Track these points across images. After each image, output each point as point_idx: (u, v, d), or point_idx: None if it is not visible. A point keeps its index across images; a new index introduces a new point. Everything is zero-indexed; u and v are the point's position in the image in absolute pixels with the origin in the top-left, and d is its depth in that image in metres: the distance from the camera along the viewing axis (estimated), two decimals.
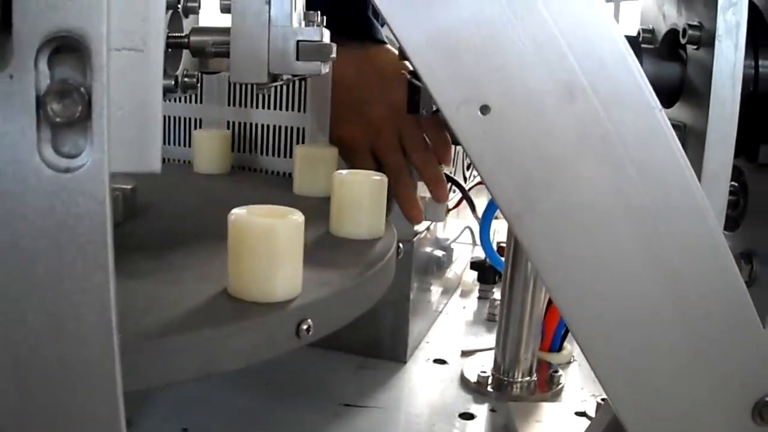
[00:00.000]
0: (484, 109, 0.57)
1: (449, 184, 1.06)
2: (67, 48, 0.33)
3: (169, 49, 0.71)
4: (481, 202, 1.13)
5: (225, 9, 0.69)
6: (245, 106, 1.09)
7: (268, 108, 1.06)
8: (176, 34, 0.71)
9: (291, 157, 1.04)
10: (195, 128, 1.13)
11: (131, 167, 0.37)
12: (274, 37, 0.68)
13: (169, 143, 1.13)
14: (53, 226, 0.34)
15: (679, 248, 0.59)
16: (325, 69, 0.71)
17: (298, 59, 0.68)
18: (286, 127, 1.05)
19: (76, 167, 0.33)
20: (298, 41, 0.68)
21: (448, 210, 1.07)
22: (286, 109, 1.05)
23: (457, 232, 1.30)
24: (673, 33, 0.81)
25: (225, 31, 0.70)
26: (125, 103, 0.35)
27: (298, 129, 1.04)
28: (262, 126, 1.07)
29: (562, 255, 0.59)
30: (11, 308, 0.34)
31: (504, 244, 1.03)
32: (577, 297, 0.60)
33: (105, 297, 0.35)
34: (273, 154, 1.07)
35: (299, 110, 1.04)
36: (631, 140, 0.57)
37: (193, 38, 0.71)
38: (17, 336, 0.35)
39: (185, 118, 1.13)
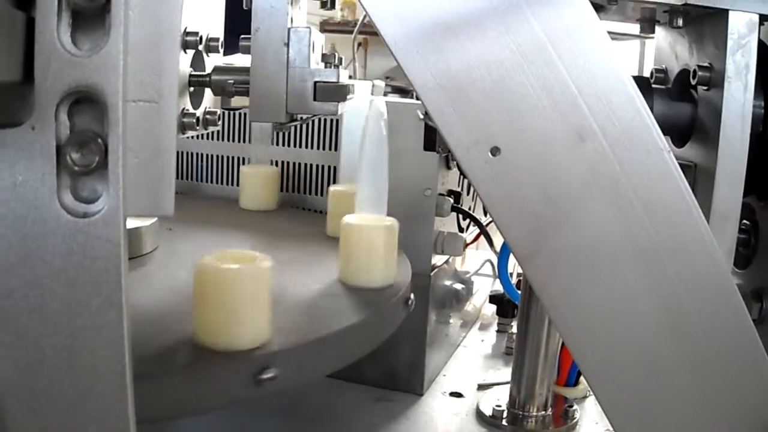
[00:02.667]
0: (495, 151, 0.58)
1: (467, 219, 1.07)
2: (87, 99, 0.35)
3: (191, 88, 0.73)
4: (499, 237, 1.14)
5: (245, 50, 0.71)
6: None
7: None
8: (199, 73, 0.73)
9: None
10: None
11: (146, 211, 0.38)
12: (292, 77, 0.70)
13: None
14: (70, 267, 0.35)
15: (686, 289, 0.59)
16: (342, 109, 0.73)
17: (315, 99, 0.70)
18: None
19: (93, 213, 0.35)
20: (315, 82, 0.70)
21: (466, 244, 1.08)
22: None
23: (477, 265, 1.31)
24: (685, 73, 0.83)
25: (246, 70, 0.71)
26: (141, 151, 0.37)
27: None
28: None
29: (572, 296, 0.60)
30: (30, 343, 0.36)
31: (521, 277, 1.04)
32: (586, 337, 0.60)
33: (119, 333, 0.36)
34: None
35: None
36: (640, 182, 0.58)
37: (214, 77, 0.73)
38: (35, 369, 0.36)
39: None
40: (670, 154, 0.59)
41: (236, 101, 0.81)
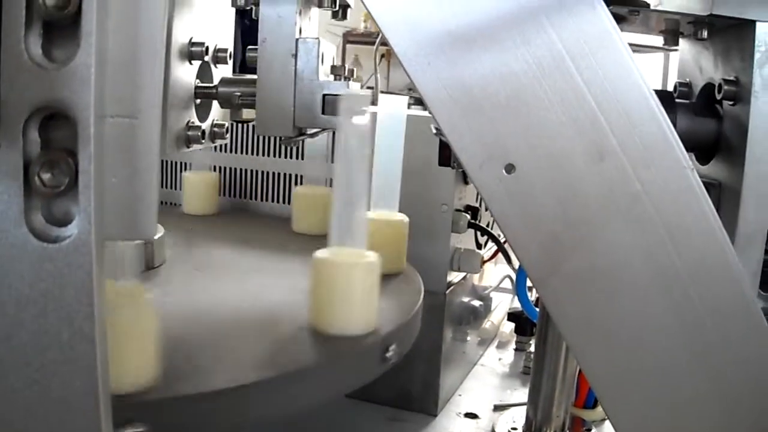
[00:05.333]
0: (509, 168, 0.56)
1: (485, 236, 1.04)
2: (60, 115, 0.33)
3: (198, 100, 0.71)
4: None
5: (252, 61, 0.69)
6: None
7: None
8: (205, 85, 0.72)
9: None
10: None
11: (124, 235, 0.36)
12: (300, 90, 0.68)
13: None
14: (38, 295, 0.33)
15: (710, 313, 0.57)
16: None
17: (323, 113, 0.68)
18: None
19: (65, 237, 0.33)
20: (324, 94, 0.68)
21: (483, 261, 1.06)
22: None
23: (497, 280, 1.29)
24: (709, 87, 0.80)
25: (254, 82, 0.70)
26: (118, 170, 0.35)
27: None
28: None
29: (589, 320, 0.58)
30: None
31: None
32: (603, 363, 0.58)
33: (91, 365, 0.34)
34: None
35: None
36: (662, 201, 0.56)
37: (221, 89, 0.71)
38: (3, 402, 0.34)
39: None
40: (693, 173, 0.56)
41: (247, 113, 0.80)
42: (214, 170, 1.19)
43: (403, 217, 0.82)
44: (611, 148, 0.56)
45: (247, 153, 1.17)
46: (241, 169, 1.19)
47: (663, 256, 0.56)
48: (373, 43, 1.48)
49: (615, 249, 0.56)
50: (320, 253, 0.66)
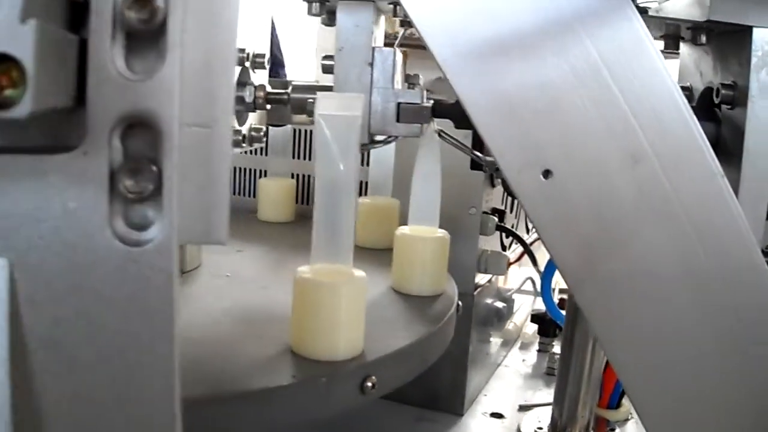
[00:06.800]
0: (547, 174, 0.57)
1: (509, 238, 1.06)
2: (139, 123, 0.34)
3: (269, 105, 0.72)
4: (541, 255, 1.12)
5: (327, 69, 0.71)
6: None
7: None
8: (277, 91, 0.73)
9: None
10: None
11: (199, 239, 0.37)
12: (375, 98, 0.69)
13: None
14: (122, 297, 0.35)
15: (737, 311, 0.58)
16: (424, 131, 0.72)
17: (398, 121, 0.69)
18: None
19: (146, 241, 0.35)
20: (398, 103, 0.69)
21: (510, 263, 1.07)
22: None
23: (518, 282, 1.30)
24: (709, 91, 0.81)
25: (324, 89, 0.71)
26: (194, 177, 0.36)
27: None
28: None
29: (623, 321, 0.58)
30: (79, 375, 0.35)
31: (564, 297, 1.02)
32: (636, 365, 0.59)
33: (169, 366, 0.35)
34: None
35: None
36: (692, 205, 0.57)
37: (293, 95, 0.73)
38: (83, 401, 0.36)
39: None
40: (723, 179, 0.58)
41: (281, 116, 0.81)
42: (292, 177, 1.20)
43: (445, 234, 0.82)
44: (644, 153, 0.57)
45: None
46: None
47: (693, 258, 0.57)
48: (390, 45, 1.49)
49: (648, 251, 0.58)
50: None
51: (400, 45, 1.61)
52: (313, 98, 0.70)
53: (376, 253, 0.89)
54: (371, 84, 0.69)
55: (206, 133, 0.36)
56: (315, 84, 0.76)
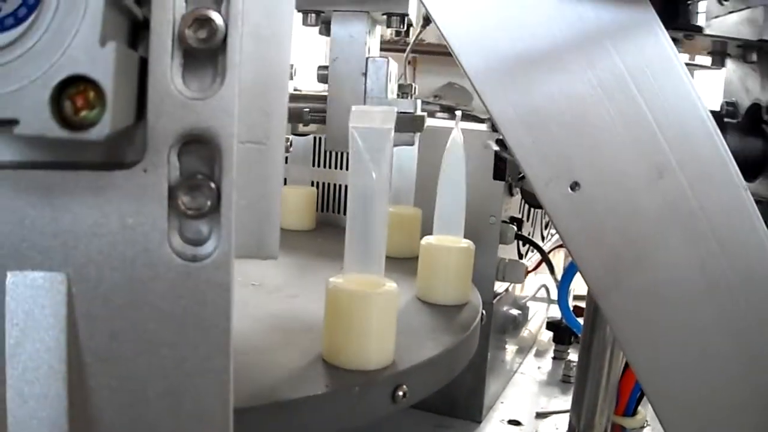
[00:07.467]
0: (574, 186, 0.57)
1: (526, 247, 1.06)
2: (195, 140, 0.35)
3: None
4: (557, 262, 1.13)
5: (322, 79, 0.71)
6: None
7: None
8: None
9: None
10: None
11: (251, 253, 0.38)
12: None
13: None
14: (179, 312, 0.35)
15: (759, 323, 0.59)
16: (416, 140, 0.73)
17: None
18: None
19: (203, 256, 0.35)
20: None
21: (527, 271, 1.08)
22: None
23: (533, 290, 1.31)
24: (756, 107, 0.82)
25: (322, 98, 0.72)
26: (248, 194, 0.37)
27: None
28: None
29: (648, 331, 0.59)
30: (134, 387, 0.36)
31: (578, 304, 1.03)
32: (661, 374, 0.60)
33: (224, 379, 0.36)
34: None
35: None
36: (717, 218, 0.58)
37: (290, 104, 0.73)
38: (138, 414, 0.36)
39: None
40: (747, 192, 0.58)
41: (305, 128, 0.82)
42: (312, 185, 1.21)
43: (470, 244, 0.83)
44: (670, 166, 0.57)
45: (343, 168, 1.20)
46: (335, 185, 1.22)
47: (716, 271, 0.58)
48: (399, 51, 1.49)
49: (672, 264, 0.58)
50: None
51: (412, 51, 1.62)
52: (309, 107, 0.71)
53: (399, 262, 0.90)
54: (365, 93, 0.70)
55: (260, 149, 0.37)
56: (309, 93, 0.76)
